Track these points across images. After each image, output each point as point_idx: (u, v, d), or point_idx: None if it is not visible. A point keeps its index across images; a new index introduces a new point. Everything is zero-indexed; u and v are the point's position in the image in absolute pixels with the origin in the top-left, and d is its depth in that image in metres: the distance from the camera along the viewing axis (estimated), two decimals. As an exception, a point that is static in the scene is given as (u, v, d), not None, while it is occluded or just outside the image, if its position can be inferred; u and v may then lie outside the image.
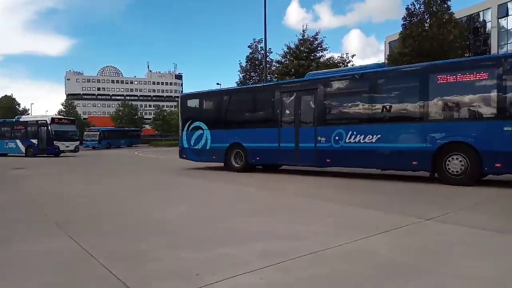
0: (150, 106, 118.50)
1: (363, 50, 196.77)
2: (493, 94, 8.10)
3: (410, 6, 30.44)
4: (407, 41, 29.62)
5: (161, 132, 76.58)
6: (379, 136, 9.68)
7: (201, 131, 13.63)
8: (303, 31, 28.23)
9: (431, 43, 27.61)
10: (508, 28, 39.02)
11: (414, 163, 9.06)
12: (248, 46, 32.60)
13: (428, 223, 4.79)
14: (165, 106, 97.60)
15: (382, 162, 9.88)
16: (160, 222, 5.15)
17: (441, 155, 8.62)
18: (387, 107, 9.80)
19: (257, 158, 12.37)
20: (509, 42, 38.87)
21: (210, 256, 3.53)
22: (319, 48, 28.39)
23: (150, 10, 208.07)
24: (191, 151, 13.99)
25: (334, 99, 10.98)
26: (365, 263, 3.29)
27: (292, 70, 26.67)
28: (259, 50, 31.85)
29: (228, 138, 12.93)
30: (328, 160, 10.70)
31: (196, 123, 13.82)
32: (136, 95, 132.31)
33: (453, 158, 8.50)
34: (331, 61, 28.32)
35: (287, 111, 11.75)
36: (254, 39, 32.15)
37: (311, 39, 28.09)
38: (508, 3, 38.32)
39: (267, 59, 28.41)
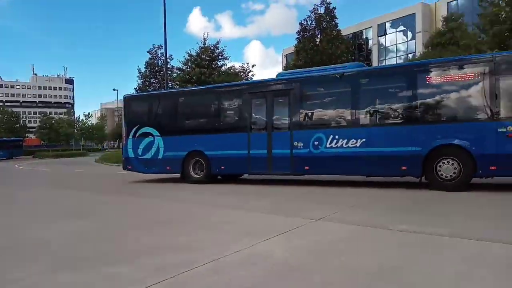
0: (35, 113, 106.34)
1: (263, 61, 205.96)
2: (486, 94, 7.74)
3: (303, 22, 32.88)
4: (301, 54, 31.84)
5: (48, 142, 69.27)
6: (363, 140, 8.95)
7: (152, 138, 11.92)
8: (204, 39, 28.34)
9: (321, 57, 30.11)
10: (386, 45, 44.59)
11: (403, 168, 8.52)
12: (148, 52, 31.54)
13: (319, 223, 5.10)
14: (53, 113, 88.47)
15: (368, 168, 9.09)
16: (40, 242, 4.54)
17: (432, 159, 8.18)
18: (373, 109, 9.12)
19: (222, 168, 10.89)
20: (387, 58, 44.39)
21: (95, 277, 3.21)
22: (220, 57, 28.71)
23: (35, 7, 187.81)
24: (139, 161, 12.14)
25: (312, 100, 10.00)
26: (262, 267, 3.33)
27: (194, 77, 26.50)
28: (159, 56, 31.01)
29: (186, 145, 11.36)
30: (306, 168, 9.68)
31: (145, 129, 12.05)
32: (18, 101, 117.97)
33: (444, 163, 8.10)
34: (232, 70, 28.87)
35: (258, 115, 10.59)
36: (153, 44, 31.25)
37: (212, 48, 28.29)
38: (386, 23, 43.85)
39: (168, 66, 27.77)
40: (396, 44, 43.75)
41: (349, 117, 9.35)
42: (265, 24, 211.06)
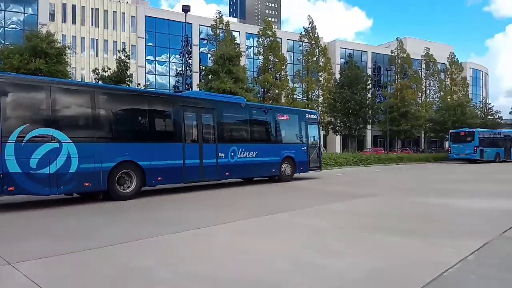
0: None
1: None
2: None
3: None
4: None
5: None
6: (256, 152, 13.41)
7: (56, 144, 8.46)
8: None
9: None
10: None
11: (273, 170, 14.17)
12: None
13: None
14: None
15: (258, 171, 13.93)
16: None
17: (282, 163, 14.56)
18: (256, 131, 14.20)
19: (159, 179, 10.46)
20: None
21: None
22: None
23: None
24: (30, 178, 8.10)
25: (228, 121, 13.16)
26: None
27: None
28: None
29: (113, 154, 9.44)
30: (227, 173, 12.47)
31: (42, 130, 8.34)
32: None
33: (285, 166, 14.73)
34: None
35: (191, 129, 11.76)
36: None
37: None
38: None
39: None
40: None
41: (250, 135, 13.74)
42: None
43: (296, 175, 15.38)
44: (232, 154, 12.50)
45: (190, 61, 45.89)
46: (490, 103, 54.00)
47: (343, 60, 51.32)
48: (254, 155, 13.27)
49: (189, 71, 45.63)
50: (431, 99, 51.84)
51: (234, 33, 42.52)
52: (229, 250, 4.90)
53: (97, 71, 22.46)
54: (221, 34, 39.50)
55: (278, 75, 40.31)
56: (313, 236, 5.58)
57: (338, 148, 46.29)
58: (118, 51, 25.76)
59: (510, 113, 51.64)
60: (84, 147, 8.91)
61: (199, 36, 46.32)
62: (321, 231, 5.93)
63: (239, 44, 42.68)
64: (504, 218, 6.66)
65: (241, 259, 4.45)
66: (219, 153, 12.09)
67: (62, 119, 8.84)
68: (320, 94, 43.09)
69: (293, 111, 16.68)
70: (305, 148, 15.59)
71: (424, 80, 52.25)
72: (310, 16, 43.14)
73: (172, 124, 11.24)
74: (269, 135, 14.45)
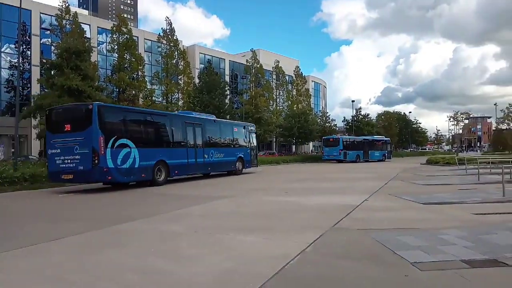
0: None
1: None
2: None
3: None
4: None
5: None
6: (224, 154, 19.17)
7: (127, 147, 13.37)
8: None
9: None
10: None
11: (232, 166, 19.94)
12: None
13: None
14: None
15: (225, 167, 19.62)
16: None
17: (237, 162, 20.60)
18: (223, 138, 19.91)
19: (176, 172, 15.81)
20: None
21: None
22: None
23: None
24: (118, 171, 12.97)
25: (208, 132, 18.48)
26: None
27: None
28: None
29: (155, 156, 14.59)
30: (209, 169, 18.42)
31: (122, 141, 13.22)
32: None
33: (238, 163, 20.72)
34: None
35: (190, 138, 17.08)
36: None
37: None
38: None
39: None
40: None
41: (220, 142, 19.45)
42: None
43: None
44: (211, 155, 18.08)
45: (28, 52, 39.84)
46: (328, 112, 62.80)
47: (202, 65, 52.15)
48: (222, 156, 18.97)
49: (27, 64, 39.58)
50: (280, 107, 57.10)
51: (83, 26, 38.73)
52: (71, 267, 4.31)
53: None
54: (67, 26, 35.42)
55: (135, 75, 38.44)
56: (168, 242, 5.39)
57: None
58: None
59: (342, 121, 60.74)
60: (141, 151, 13.82)
61: (41, 25, 40.57)
62: (175, 236, 5.78)
63: (89, 38, 39.13)
64: (337, 212, 7.66)
65: (87, 277, 3.97)
66: (205, 154, 17.58)
67: (130, 133, 13.93)
68: (180, 97, 42.82)
69: (241, 124, 23.07)
70: (249, 151, 21.77)
71: (275, 90, 57.25)
72: (168, 18, 42.93)
73: (180, 134, 16.64)
74: (230, 141, 20.50)
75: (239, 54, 61.75)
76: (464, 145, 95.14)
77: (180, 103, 42.44)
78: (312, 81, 75.27)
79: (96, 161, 12.07)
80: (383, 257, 4.55)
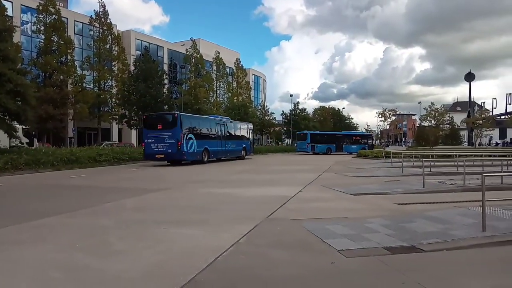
0: None
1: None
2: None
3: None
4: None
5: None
6: (235, 144, 27.46)
7: (192, 139, 21.51)
8: None
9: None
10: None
11: (239, 153, 27.86)
12: None
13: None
14: None
15: (235, 154, 27.27)
16: None
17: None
18: (235, 133, 27.96)
19: (212, 156, 23.97)
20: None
21: None
22: None
23: None
24: (189, 153, 21.21)
25: (227, 129, 26.61)
26: None
27: None
28: None
29: (203, 145, 22.70)
30: (228, 154, 26.52)
31: (189, 135, 21.38)
32: None
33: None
34: None
35: (220, 133, 25.63)
36: None
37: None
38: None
39: None
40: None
41: (234, 136, 27.69)
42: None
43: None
44: (229, 145, 26.30)
45: None
46: (267, 106, 63.74)
47: (138, 52, 49.91)
48: (235, 146, 27.28)
49: None
50: (220, 99, 56.77)
51: (5, 2, 35.04)
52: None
53: None
54: (-16, 1, 31.80)
55: (63, 59, 35.76)
56: (95, 237, 5.11)
57: (135, 142, 44.75)
58: None
59: (281, 115, 62.11)
60: (198, 142, 21.83)
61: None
62: (104, 230, 5.50)
63: (11, 17, 35.57)
64: (272, 204, 7.82)
65: (5, 277, 3.62)
66: (226, 145, 25.78)
67: (193, 130, 21.98)
68: (114, 85, 40.70)
69: (245, 124, 31.98)
70: (249, 143, 30.70)
71: (215, 81, 56.69)
72: (101, 0, 40.00)
73: (215, 131, 24.87)
74: (239, 136, 28.66)
75: (178, 43, 60.03)
76: (391, 140, 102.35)
77: (114, 90, 40.36)
78: (252, 74, 75.74)
79: (179, 147, 20.18)
80: (313, 245, 4.74)
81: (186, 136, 20.79)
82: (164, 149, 20.15)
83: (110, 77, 40.07)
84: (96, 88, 39.81)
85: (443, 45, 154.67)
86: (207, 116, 28.64)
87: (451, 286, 3.53)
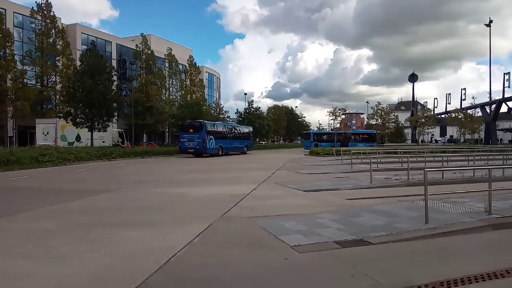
0: None
1: None
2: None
3: None
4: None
5: None
6: (240, 142, 37.22)
7: (212, 139, 30.39)
8: None
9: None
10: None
11: (243, 150, 37.34)
12: None
13: None
14: None
15: (239, 150, 36.63)
16: None
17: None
18: (239, 134, 37.74)
19: (224, 151, 32.50)
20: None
21: None
22: None
23: None
24: (210, 149, 30.23)
25: (234, 131, 36.56)
26: None
27: None
28: None
29: (219, 143, 31.59)
30: (235, 150, 36.12)
31: (210, 136, 30.30)
32: None
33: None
34: None
35: (230, 134, 35.41)
36: None
37: None
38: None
39: None
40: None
41: (239, 136, 37.58)
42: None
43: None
44: (236, 143, 35.43)
45: None
46: (221, 104, 63.49)
47: (85, 47, 47.51)
48: (239, 144, 36.12)
49: None
50: (173, 97, 55.59)
51: None
52: None
53: None
54: None
55: (1, 53, 33.21)
56: (37, 242, 4.78)
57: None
58: None
59: (235, 113, 62.18)
60: (216, 141, 31.25)
61: None
62: (48, 235, 5.16)
63: None
64: (227, 202, 7.78)
65: None
66: (233, 143, 34.90)
67: (212, 133, 31.19)
68: (58, 81, 38.45)
69: (247, 127, 41.68)
70: (250, 141, 40.16)
71: (168, 78, 55.41)
72: (44, -9, 37.59)
73: (227, 133, 34.28)
74: (242, 136, 37.52)
75: (128, 38, 57.97)
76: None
77: (58, 87, 38.15)
78: (206, 72, 74.95)
79: (204, 145, 28.87)
80: (267, 242, 4.77)
81: (208, 136, 29.63)
82: (194, 145, 29.16)
83: (54, 73, 37.91)
84: (39, 84, 37.44)
85: (388, 48, 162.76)
86: (220, 122, 38.18)
87: (397, 276, 3.71)
